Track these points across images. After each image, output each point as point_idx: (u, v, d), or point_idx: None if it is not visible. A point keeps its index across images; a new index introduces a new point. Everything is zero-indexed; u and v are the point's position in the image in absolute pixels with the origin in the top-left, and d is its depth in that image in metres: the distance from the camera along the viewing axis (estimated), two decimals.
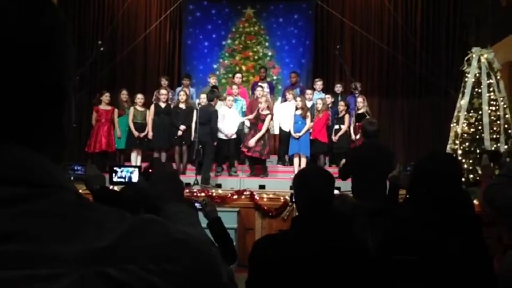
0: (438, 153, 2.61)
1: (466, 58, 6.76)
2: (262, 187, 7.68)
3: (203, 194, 5.84)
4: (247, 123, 8.09)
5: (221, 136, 7.88)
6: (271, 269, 1.89)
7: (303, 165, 7.90)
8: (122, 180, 1.50)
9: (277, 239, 2.10)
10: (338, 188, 5.07)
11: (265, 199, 5.79)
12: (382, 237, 2.45)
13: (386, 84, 10.61)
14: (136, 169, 1.45)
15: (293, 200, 2.14)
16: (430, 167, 2.16)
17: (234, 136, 7.93)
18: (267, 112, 7.84)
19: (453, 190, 2.13)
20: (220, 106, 8.08)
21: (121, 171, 1.50)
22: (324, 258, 1.84)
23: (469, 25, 10.23)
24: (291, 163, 8.22)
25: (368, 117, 7.83)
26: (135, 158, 8.05)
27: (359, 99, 7.97)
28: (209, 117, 7.57)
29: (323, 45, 10.72)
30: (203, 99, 8.00)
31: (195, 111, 7.93)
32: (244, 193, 5.84)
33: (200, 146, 7.53)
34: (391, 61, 10.58)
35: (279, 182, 7.72)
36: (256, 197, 5.77)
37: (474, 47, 9.69)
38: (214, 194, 5.86)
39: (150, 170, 1.22)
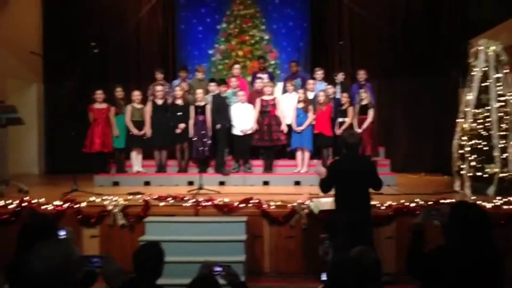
0: (472, 210, 2.60)
1: (472, 51, 6.55)
2: (266, 183, 7.66)
3: (209, 203, 5.74)
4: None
5: (236, 132, 7.75)
6: None
7: (306, 159, 7.82)
8: None
9: None
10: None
11: (272, 207, 5.70)
12: None
13: (386, 64, 10.37)
14: None
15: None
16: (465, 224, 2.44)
17: (250, 132, 7.77)
18: (272, 96, 7.88)
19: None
20: (233, 102, 7.94)
21: None
22: None
23: (471, 2, 9.93)
24: (293, 156, 8.09)
25: (371, 109, 7.71)
26: (135, 157, 7.89)
27: (362, 90, 7.80)
28: (222, 104, 7.74)
29: (321, 27, 10.39)
30: (200, 94, 7.81)
31: (191, 107, 7.75)
32: (251, 200, 5.74)
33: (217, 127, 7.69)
34: (390, 39, 10.29)
35: (283, 178, 7.65)
36: (264, 205, 5.68)
37: (476, 25, 9.52)
38: (220, 203, 5.75)
39: None
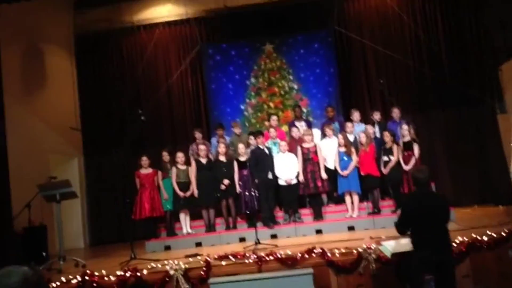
0: None
1: None
2: (319, 231, 7.46)
3: (271, 257, 5.58)
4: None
5: (281, 182, 7.72)
6: None
7: (355, 202, 7.66)
8: None
9: None
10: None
11: (337, 255, 5.51)
12: None
13: (418, 99, 10.35)
14: None
15: None
16: None
17: (295, 181, 7.70)
18: (313, 143, 7.83)
19: None
20: (274, 153, 7.96)
21: None
22: None
23: (494, 28, 9.98)
24: (340, 201, 7.94)
25: (416, 144, 7.59)
26: (184, 219, 7.85)
27: (404, 127, 7.73)
28: (261, 156, 7.73)
29: (348, 71, 10.52)
30: (242, 149, 7.85)
31: (235, 163, 7.77)
32: (315, 250, 5.56)
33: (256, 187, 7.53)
34: (418, 75, 10.33)
35: (335, 225, 7.47)
36: (328, 253, 5.50)
37: (503, 51, 9.52)
38: (283, 256, 5.59)
39: None
